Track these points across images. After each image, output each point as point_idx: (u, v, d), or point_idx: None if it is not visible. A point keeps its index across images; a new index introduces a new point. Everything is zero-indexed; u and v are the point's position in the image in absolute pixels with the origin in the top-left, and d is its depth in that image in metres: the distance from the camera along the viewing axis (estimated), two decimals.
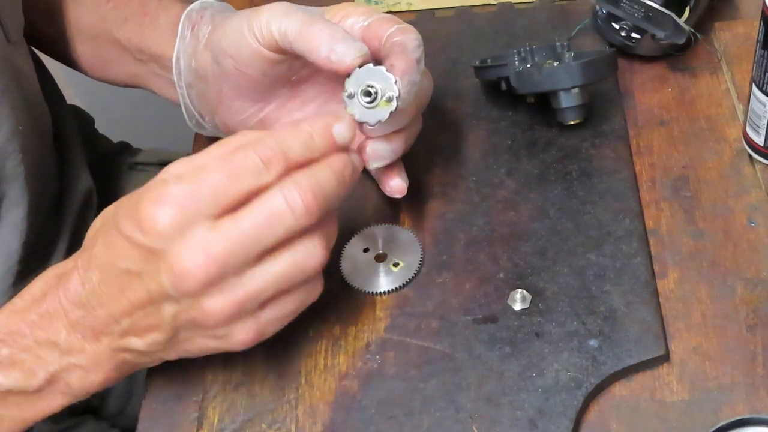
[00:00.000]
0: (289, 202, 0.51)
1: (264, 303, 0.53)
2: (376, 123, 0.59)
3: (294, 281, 0.53)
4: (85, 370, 0.55)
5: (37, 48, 0.82)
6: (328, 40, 0.58)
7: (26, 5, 0.74)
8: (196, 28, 0.68)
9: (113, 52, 0.75)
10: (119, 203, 0.54)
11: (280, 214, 0.51)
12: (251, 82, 0.64)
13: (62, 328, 0.54)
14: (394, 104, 0.58)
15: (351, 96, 0.59)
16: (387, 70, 0.59)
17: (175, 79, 0.70)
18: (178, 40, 0.69)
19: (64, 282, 0.54)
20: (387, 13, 0.84)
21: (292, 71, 0.65)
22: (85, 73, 0.80)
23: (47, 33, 0.78)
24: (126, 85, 0.78)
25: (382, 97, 0.58)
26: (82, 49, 0.78)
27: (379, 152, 0.62)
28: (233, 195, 0.51)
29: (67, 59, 0.80)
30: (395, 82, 0.58)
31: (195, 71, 0.68)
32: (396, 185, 0.66)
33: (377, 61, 0.60)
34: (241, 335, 0.54)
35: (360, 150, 0.61)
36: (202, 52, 0.67)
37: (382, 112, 0.59)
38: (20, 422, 0.57)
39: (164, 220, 0.50)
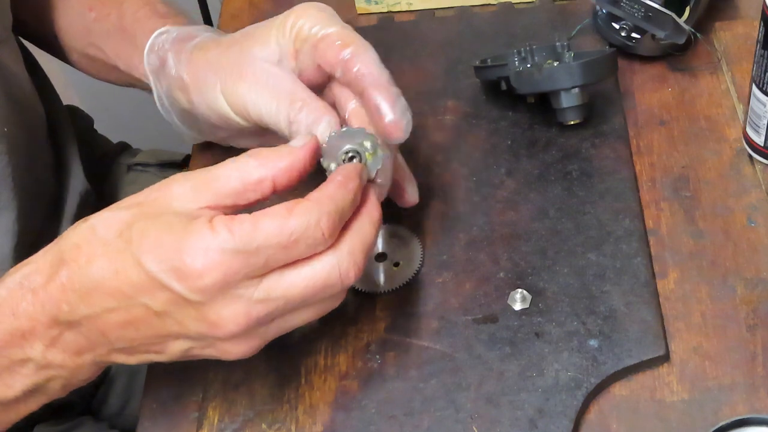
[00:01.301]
0: (341, 274, 0.50)
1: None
2: (376, 173, 0.56)
3: (316, 316, 0.53)
4: (65, 379, 0.54)
5: (36, 46, 0.81)
6: (304, 129, 0.57)
7: (16, 5, 0.73)
8: (162, 67, 0.67)
9: (105, 62, 0.74)
10: (134, 227, 0.49)
11: (332, 285, 0.50)
12: (244, 133, 0.65)
13: (40, 345, 0.52)
14: (379, 152, 0.55)
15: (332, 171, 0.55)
16: (348, 128, 0.57)
17: (164, 113, 0.70)
18: (152, 82, 0.68)
19: (42, 298, 0.51)
20: (387, 13, 0.84)
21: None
22: (86, 74, 0.80)
23: (41, 34, 0.78)
24: (128, 87, 0.77)
25: (364, 153, 0.55)
26: (75, 53, 0.77)
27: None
28: (284, 261, 0.49)
29: (64, 59, 0.79)
30: (366, 132, 0.56)
31: (180, 109, 0.67)
32: (410, 197, 0.65)
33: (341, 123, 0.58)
34: (240, 349, 0.52)
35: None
36: (179, 95, 0.66)
37: (375, 164, 0.55)
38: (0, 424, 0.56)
39: (210, 281, 0.48)
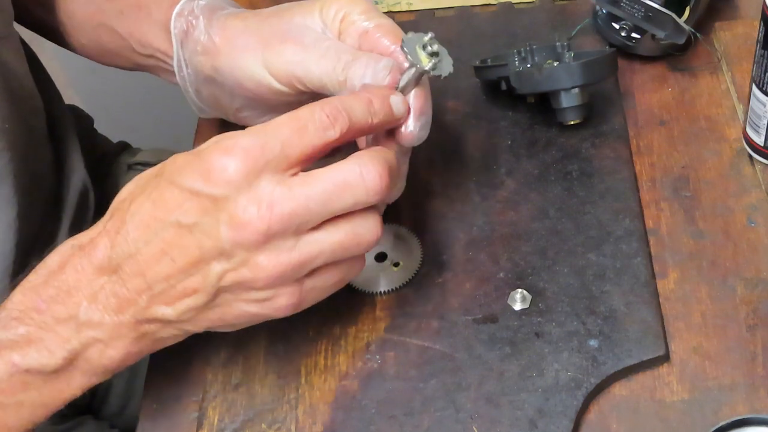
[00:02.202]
0: (364, 175, 0.51)
1: (311, 273, 0.53)
2: (448, 74, 0.58)
3: (348, 254, 0.53)
4: (104, 343, 0.53)
5: (40, 35, 0.80)
6: (358, 81, 0.58)
7: None
8: (190, 31, 0.67)
9: (115, 43, 0.74)
10: (167, 163, 0.53)
11: (353, 185, 0.51)
12: (270, 104, 0.65)
13: (83, 299, 0.52)
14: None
15: (414, 65, 0.57)
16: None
17: (182, 86, 0.70)
18: (175, 49, 0.68)
19: (88, 249, 0.53)
20: (386, 13, 0.84)
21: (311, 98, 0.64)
22: (90, 59, 0.79)
23: (46, 22, 0.77)
24: (133, 70, 0.77)
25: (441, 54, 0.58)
26: (82, 39, 0.77)
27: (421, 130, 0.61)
28: (301, 149, 0.51)
29: (69, 47, 0.79)
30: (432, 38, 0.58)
31: (203, 78, 0.68)
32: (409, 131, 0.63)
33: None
34: (284, 300, 0.52)
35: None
36: (202, 60, 0.66)
37: (446, 66, 0.58)
38: (41, 407, 0.55)
39: (233, 169, 0.49)
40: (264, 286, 0.52)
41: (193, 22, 0.67)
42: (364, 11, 0.61)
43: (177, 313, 0.53)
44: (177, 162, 0.52)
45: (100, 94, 1.34)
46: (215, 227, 0.50)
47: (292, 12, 0.63)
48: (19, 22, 0.76)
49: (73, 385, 0.55)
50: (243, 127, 0.53)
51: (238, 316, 0.54)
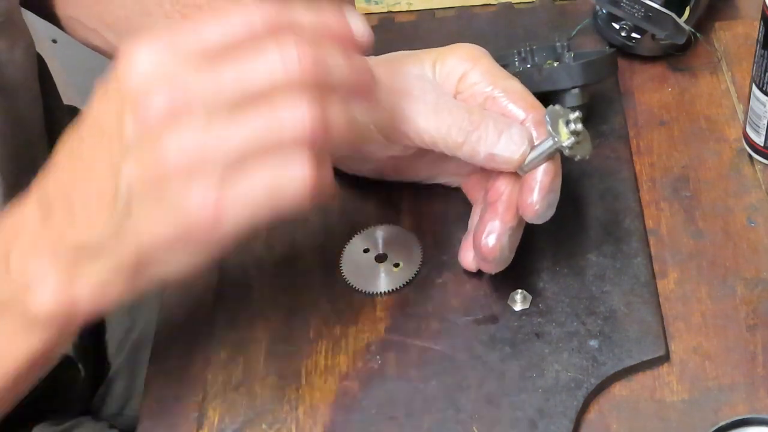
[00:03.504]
0: (282, 51, 0.44)
1: (229, 167, 0.45)
2: (582, 158, 0.56)
3: (268, 141, 0.45)
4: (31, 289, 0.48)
5: (106, 56, 0.77)
6: (485, 148, 0.56)
7: (93, 14, 0.72)
8: None
9: None
10: None
11: (268, 61, 0.44)
12: (370, 156, 0.64)
13: (11, 240, 0.49)
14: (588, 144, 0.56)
15: (561, 142, 0.55)
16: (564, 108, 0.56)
17: None
18: None
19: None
20: (387, 13, 0.84)
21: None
22: None
23: (117, 45, 0.73)
24: None
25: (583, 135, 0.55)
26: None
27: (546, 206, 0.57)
28: (219, 39, 0.45)
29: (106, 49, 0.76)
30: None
31: None
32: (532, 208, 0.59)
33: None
34: (199, 197, 0.45)
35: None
36: None
37: (585, 149, 0.55)
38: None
39: (141, 58, 0.45)
40: (174, 174, 0.45)
41: None
42: (488, 71, 0.58)
43: (96, 233, 0.47)
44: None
45: None
46: (121, 121, 0.45)
47: (403, 62, 0.59)
48: (82, 41, 0.75)
49: (20, 339, 0.50)
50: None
51: (156, 234, 0.47)
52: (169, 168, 0.45)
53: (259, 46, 0.45)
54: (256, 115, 0.45)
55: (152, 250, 0.47)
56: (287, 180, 0.45)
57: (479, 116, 0.56)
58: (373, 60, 0.60)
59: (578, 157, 0.56)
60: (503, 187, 0.59)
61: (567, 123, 0.55)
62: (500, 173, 0.59)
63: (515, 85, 0.58)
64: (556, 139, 0.54)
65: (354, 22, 0.48)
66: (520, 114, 0.57)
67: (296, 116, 0.45)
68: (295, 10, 0.46)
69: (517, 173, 0.57)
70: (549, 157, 0.56)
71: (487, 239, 0.58)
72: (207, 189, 0.45)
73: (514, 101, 0.57)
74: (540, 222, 0.58)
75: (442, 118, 0.56)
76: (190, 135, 0.44)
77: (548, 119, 0.55)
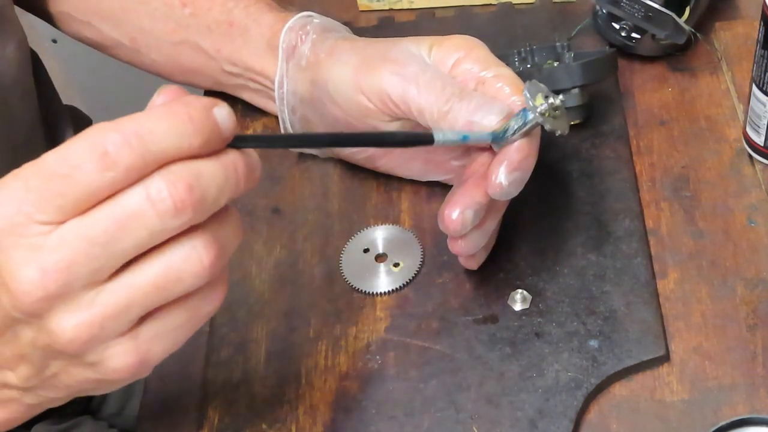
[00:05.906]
0: (151, 197, 0.40)
1: (142, 318, 0.43)
2: (561, 133, 0.56)
3: (171, 292, 0.43)
4: None
5: (100, 50, 0.78)
6: (465, 115, 0.56)
7: (86, 7, 0.72)
8: (298, 46, 0.66)
9: (197, 61, 0.72)
10: None
11: (138, 213, 0.40)
12: (358, 128, 0.64)
13: None
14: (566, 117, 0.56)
15: (536, 109, 0.55)
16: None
17: (278, 103, 0.68)
18: (279, 64, 0.66)
19: None
20: (387, 12, 0.84)
21: (405, 126, 0.62)
22: (160, 76, 0.76)
23: (113, 36, 0.75)
24: (211, 89, 0.74)
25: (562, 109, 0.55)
26: (154, 55, 0.74)
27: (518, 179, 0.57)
28: (74, 194, 0.40)
29: (137, 63, 0.77)
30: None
31: (300, 96, 0.66)
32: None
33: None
34: (118, 361, 0.43)
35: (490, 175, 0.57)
36: (302, 76, 0.65)
37: (563, 124, 0.55)
38: None
39: (22, 275, 0.40)
40: (77, 351, 0.43)
41: (303, 37, 0.66)
42: (481, 59, 0.59)
43: (20, 379, 0.46)
44: None
45: (100, 94, 1.34)
46: (1, 296, 0.42)
47: (403, 41, 0.62)
48: (74, 36, 0.75)
49: None
50: None
51: (81, 382, 0.46)
52: (64, 345, 0.42)
53: (125, 197, 0.41)
54: (147, 272, 0.42)
55: (82, 392, 0.47)
56: (207, 306, 0.45)
57: (466, 91, 0.57)
58: (376, 39, 0.63)
59: (558, 133, 0.56)
60: (478, 166, 0.59)
61: (546, 97, 0.55)
62: (479, 153, 0.59)
63: (507, 71, 0.59)
64: (534, 109, 0.55)
65: (219, 114, 0.42)
66: (509, 97, 0.58)
67: (194, 259, 0.42)
68: (145, 124, 0.41)
69: (495, 152, 0.58)
70: (527, 131, 0.56)
71: (451, 211, 0.58)
72: (124, 353, 0.43)
73: (504, 84, 0.58)
74: (503, 199, 0.57)
75: (432, 90, 0.57)
76: (78, 315, 0.42)
77: (527, 93, 0.55)
